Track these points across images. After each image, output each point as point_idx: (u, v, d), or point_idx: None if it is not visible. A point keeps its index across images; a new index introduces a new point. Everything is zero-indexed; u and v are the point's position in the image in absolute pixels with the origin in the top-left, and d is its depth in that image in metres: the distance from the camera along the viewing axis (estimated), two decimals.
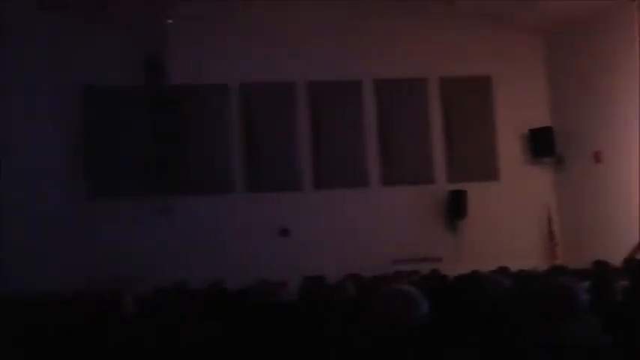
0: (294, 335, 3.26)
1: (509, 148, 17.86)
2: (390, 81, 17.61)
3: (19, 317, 5.27)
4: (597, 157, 16.46)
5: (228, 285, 10.20)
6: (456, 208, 17.17)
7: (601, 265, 10.26)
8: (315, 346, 3.41)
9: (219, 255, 15.56)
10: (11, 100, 13.87)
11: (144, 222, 16.02)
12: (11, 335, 4.29)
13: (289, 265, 14.69)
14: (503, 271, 10.38)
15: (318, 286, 10.09)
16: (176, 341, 4.01)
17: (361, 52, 17.23)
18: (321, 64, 17.12)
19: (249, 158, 17.17)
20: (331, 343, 3.51)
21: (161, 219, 16.22)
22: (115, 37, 16.30)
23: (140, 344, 4.11)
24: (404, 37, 17.41)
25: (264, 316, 3.58)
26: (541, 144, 17.66)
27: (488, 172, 17.71)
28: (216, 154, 16.90)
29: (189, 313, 4.79)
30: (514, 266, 11.29)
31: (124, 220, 15.94)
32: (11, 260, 12.28)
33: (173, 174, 16.59)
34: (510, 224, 17.06)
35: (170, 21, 16.47)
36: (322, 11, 17.05)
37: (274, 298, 5.14)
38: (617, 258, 11.53)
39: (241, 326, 4.15)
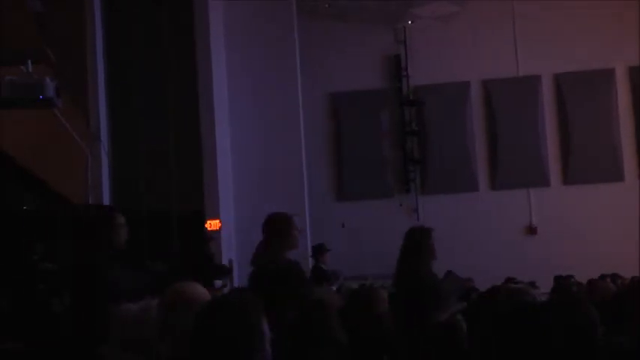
0: (547, 338, 3.16)
1: None
2: None
3: None
4: None
5: (476, 284, 10.13)
6: None
7: None
8: (579, 351, 3.30)
9: (465, 254, 15.47)
10: (265, 108, 14.88)
11: (392, 221, 16.36)
12: None
13: (537, 264, 14.25)
14: None
15: (569, 286, 9.76)
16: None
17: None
18: (568, 58, 16.44)
19: (491, 156, 16.93)
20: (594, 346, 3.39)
21: (407, 218, 16.48)
22: (354, 42, 16.86)
23: None
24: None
25: (516, 317, 3.50)
26: None
27: None
28: (459, 152, 16.82)
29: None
30: None
31: (371, 219, 16.38)
32: None
33: (420, 174, 16.86)
34: None
35: (410, 22, 16.75)
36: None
37: (524, 297, 5.04)
38: None
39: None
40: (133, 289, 3.84)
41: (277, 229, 4.97)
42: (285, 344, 3.38)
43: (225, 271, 9.64)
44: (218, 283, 8.52)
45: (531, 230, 16.54)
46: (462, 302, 5.43)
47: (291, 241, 5.02)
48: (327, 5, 16.48)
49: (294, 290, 4.46)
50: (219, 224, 13.22)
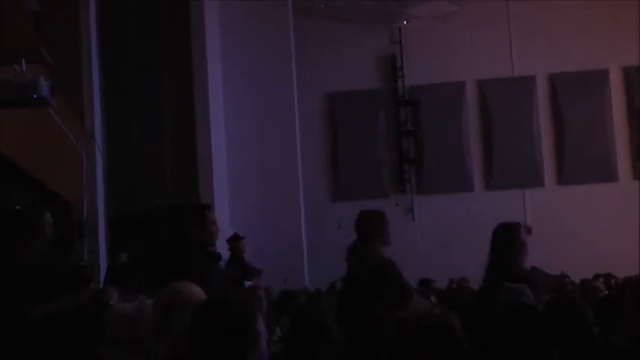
0: (544, 337, 3.16)
1: None
2: None
3: None
4: None
5: (470, 284, 10.13)
6: None
7: None
8: (572, 351, 3.30)
9: (460, 253, 15.48)
10: (260, 109, 14.88)
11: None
12: None
13: (531, 264, 14.22)
14: None
15: (564, 285, 9.76)
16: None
17: None
18: (563, 58, 16.46)
19: (486, 156, 16.95)
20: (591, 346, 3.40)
21: (403, 219, 16.49)
22: (350, 43, 16.88)
23: None
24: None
25: (513, 317, 3.49)
26: None
27: None
28: (454, 152, 16.83)
29: None
30: None
31: None
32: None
33: (415, 174, 16.88)
34: None
35: (406, 22, 16.77)
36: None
37: (521, 297, 5.03)
38: None
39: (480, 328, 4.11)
40: None
41: (371, 226, 4.94)
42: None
43: (257, 272, 9.54)
44: (248, 283, 8.43)
45: (526, 230, 16.51)
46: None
47: (386, 237, 4.99)
48: (322, 5, 16.48)
49: (393, 286, 4.38)
50: None
